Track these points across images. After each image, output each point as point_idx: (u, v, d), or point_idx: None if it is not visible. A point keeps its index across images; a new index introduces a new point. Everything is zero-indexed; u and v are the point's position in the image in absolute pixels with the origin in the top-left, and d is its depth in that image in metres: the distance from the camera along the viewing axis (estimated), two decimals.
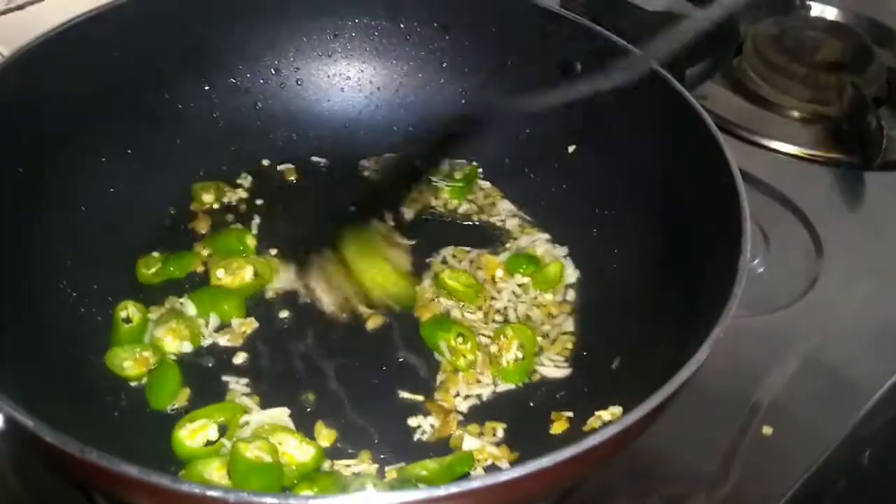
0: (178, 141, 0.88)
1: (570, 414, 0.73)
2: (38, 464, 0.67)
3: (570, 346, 0.79)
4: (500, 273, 0.85)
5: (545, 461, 0.50)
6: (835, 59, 1.16)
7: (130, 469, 0.48)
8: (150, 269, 0.81)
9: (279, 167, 0.93)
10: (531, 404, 0.75)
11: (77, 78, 0.80)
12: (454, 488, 0.49)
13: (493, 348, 0.77)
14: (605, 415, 0.70)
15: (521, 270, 0.85)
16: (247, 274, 0.81)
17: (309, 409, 0.73)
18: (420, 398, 0.74)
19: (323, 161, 0.94)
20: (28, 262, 0.73)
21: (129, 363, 0.73)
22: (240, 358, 0.77)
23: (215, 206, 0.89)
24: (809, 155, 1.06)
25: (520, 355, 0.76)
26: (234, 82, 0.91)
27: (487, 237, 0.89)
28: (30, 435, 0.51)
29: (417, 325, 0.80)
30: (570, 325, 0.81)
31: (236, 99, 0.92)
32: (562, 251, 0.87)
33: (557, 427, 0.72)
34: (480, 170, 0.94)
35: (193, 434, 0.68)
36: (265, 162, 0.93)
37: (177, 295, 0.80)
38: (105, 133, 0.83)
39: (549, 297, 0.83)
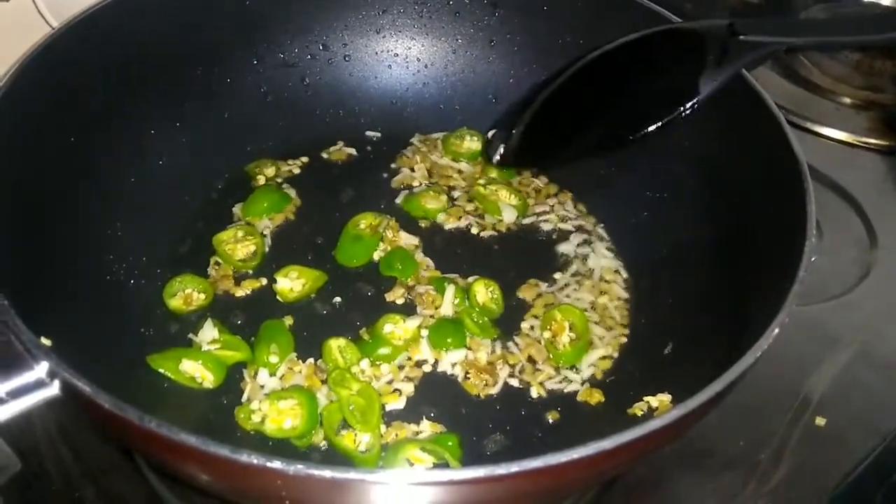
0: (226, 115, 0.88)
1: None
2: (87, 431, 0.68)
3: (623, 339, 0.77)
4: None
5: (605, 443, 0.49)
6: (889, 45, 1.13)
7: (189, 438, 0.47)
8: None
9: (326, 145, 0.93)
10: (580, 388, 0.74)
11: (127, 50, 0.79)
12: (514, 468, 0.48)
13: (547, 334, 0.76)
14: (653, 401, 0.69)
15: None
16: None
17: None
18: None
19: (373, 136, 0.94)
20: (79, 233, 0.73)
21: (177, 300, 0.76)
22: None
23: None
24: (862, 142, 1.03)
25: (573, 336, 0.75)
26: (283, 57, 0.91)
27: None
28: (88, 401, 0.50)
29: None
30: (621, 312, 0.79)
31: (284, 74, 0.91)
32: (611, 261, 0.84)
33: (592, 400, 0.72)
34: None
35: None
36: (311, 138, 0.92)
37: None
38: (154, 105, 0.82)
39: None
